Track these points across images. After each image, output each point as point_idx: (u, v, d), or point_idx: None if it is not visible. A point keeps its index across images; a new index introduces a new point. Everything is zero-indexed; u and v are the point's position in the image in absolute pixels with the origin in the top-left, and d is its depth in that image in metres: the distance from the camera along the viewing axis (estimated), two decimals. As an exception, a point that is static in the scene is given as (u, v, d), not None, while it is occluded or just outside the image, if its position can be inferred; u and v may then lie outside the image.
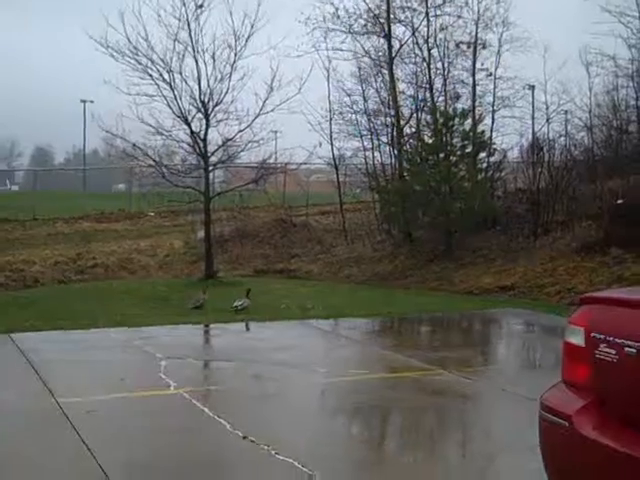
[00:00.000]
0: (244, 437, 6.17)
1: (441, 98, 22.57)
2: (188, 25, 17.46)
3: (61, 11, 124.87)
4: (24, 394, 7.56)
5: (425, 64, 22.52)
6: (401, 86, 23.08)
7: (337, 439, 6.53)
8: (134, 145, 17.50)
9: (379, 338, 12.15)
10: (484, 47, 22.82)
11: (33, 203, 30.31)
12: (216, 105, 17.66)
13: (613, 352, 3.77)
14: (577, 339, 4.00)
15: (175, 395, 7.55)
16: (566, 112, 23.42)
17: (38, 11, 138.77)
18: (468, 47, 22.78)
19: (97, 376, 8.41)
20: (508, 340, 12.15)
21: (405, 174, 21.34)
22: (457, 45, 22.80)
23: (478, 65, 22.76)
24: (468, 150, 20.08)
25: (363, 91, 23.53)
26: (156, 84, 17.39)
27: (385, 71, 22.93)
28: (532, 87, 24.80)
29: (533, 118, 23.92)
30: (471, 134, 20.11)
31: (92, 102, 58.38)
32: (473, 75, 22.79)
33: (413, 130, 22.53)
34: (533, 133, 23.11)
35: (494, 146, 21.25)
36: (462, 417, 7.30)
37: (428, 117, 22.02)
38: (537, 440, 4.19)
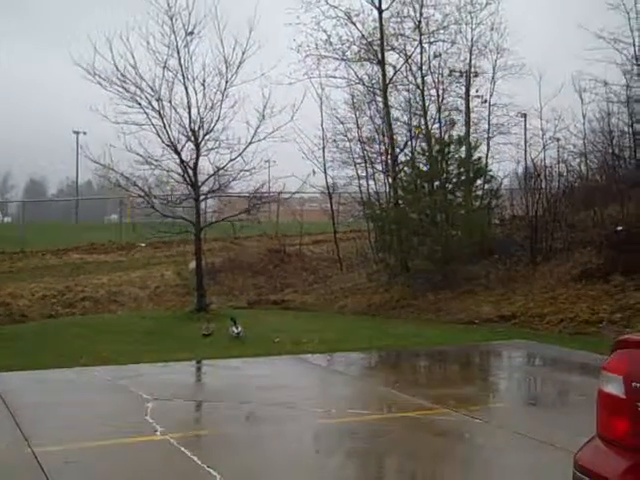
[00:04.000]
0: (235, 490, 5.66)
1: (436, 125, 22.26)
2: (178, 52, 17.05)
3: (52, 39, 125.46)
4: (-2, 442, 7.03)
5: (419, 91, 22.21)
6: (395, 113, 22.76)
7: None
8: (121, 175, 17.03)
9: (378, 374, 11.62)
10: (476, 75, 22.59)
11: (23, 235, 29.78)
12: (207, 133, 17.23)
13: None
14: (615, 389, 3.51)
15: (161, 441, 7.02)
16: (558, 140, 23.09)
17: (30, 40, 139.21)
18: (461, 75, 22.55)
19: (78, 421, 7.85)
20: (514, 375, 11.59)
21: (400, 202, 20.91)
22: (450, 72, 22.54)
23: (472, 92, 22.57)
24: (464, 177, 19.68)
25: (357, 119, 23.19)
26: (145, 112, 16.95)
27: (379, 98, 22.58)
28: (524, 115, 24.47)
29: (526, 145, 23.57)
30: (467, 161, 19.72)
31: (85, 134, 58.19)
32: (467, 102, 22.53)
33: (408, 158, 22.12)
34: (527, 160, 22.73)
35: (490, 173, 20.88)
36: (469, 464, 6.75)
37: (423, 144, 21.64)
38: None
